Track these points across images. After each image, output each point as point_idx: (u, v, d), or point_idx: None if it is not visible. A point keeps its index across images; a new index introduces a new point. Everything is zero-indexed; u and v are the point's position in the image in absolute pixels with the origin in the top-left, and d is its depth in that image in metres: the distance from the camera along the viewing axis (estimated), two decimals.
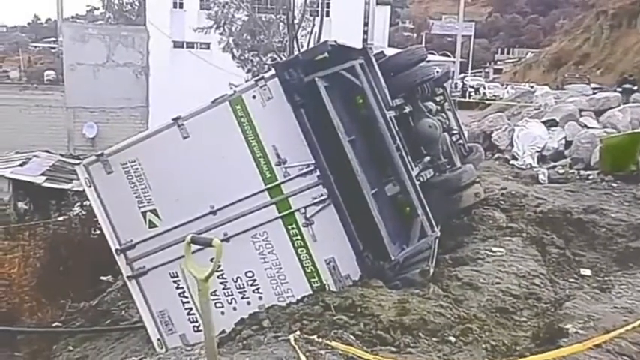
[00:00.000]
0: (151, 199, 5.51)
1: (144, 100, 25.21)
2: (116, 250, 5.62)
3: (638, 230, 7.12)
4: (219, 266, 5.20)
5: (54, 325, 8.05)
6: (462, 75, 51.52)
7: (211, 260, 3.17)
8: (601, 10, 66.06)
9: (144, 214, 5.52)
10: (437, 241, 5.92)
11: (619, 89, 13.72)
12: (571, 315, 4.48)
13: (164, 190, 5.50)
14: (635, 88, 15.33)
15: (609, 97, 13.32)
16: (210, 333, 3.14)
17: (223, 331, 5.02)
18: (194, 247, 3.37)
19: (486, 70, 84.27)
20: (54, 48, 44.93)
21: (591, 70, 58.61)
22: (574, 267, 6.33)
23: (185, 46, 31.67)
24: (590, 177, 10.41)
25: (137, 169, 5.52)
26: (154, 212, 5.51)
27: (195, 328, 5.43)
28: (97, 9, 59.98)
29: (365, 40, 25.03)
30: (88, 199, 6.01)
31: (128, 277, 5.66)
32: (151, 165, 5.51)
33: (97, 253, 7.75)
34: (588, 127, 12.08)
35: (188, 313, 5.51)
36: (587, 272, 6.14)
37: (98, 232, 7.78)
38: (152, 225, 5.53)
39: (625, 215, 7.75)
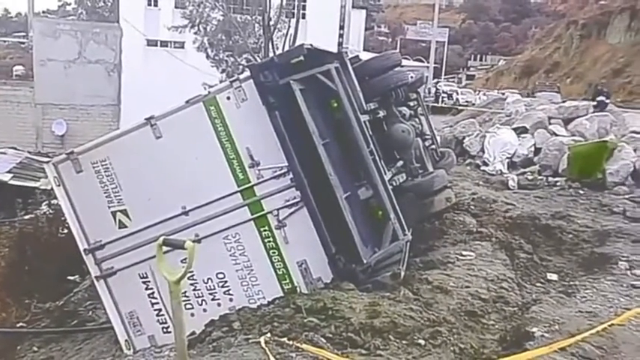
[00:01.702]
0: (121, 199, 5.44)
1: (115, 98, 24.89)
2: (84, 250, 5.53)
3: (603, 236, 7.31)
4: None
5: (18, 325, 7.86)
6: (436, 81, 52.09)
7: (182, 262, 3.15)
8: (572, 20, 67.58)
9: (114, 214, 5.45)
10: (408, 244, 5.97)
11: (594, 103, 13.97)
12: (537, 319, 4.56)
13: (135, 190, 5.43)
14: (608, 101, 15.63)
15: (578, 106, 13.62)
16: (181, 335, 3.11)
17: (193, 333, 4.98)
18: (166, 248, 3.34)
19: (459, 76, 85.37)
20: (23, 43, 43.97)
21: (561, 78, 59.84)
22: (541, 272, 6.46)
23: (159, 44, 31.31)
24: (558, 183, 10.64)
25: (108, 168, 5.44)
26: (124, 212, 5.44)
27: (165, 330, 5.38)
28: (69, 4, 59.07)
29: (340, 44, 25.11)
30: (56, 198, 5.91)
31: (96, 277, 5.57)
32: (123, 164, 5.44)
33: (65, 253, 7.61)
34: (557, 135, 12.34)
35: (157, 315, 5.45)
36: (554, 277, 6.27)
37: (66, 231, 7.64)
38: (122, 225, 5.46)
39: (591, 221, 7.94)
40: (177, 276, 3.06)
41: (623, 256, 6.40)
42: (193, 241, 5.10)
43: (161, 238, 3.24)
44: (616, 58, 55.29)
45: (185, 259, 3.26)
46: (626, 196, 9.51)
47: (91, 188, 5.47)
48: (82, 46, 25.02)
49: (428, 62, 45.42)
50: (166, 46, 30.96)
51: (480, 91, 49.85)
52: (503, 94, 25.47)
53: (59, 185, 5.54)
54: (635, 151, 10.64)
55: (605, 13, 61.01)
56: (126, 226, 5.45)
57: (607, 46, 58.62)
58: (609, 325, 4.01)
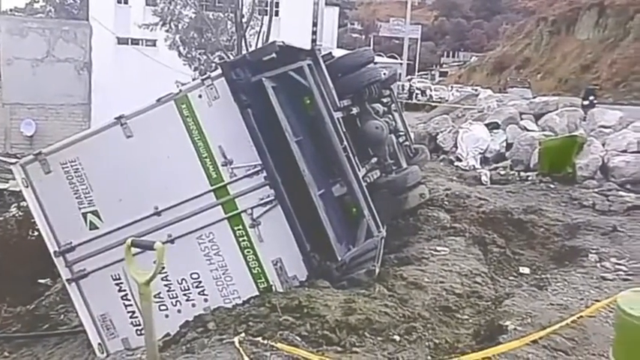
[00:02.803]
0: (92, 200, 5.35)
1: (86, 97, 24.49)
2: (54, 252, 5.43)
3: (574, 229, 7.44)
4: (163, 268, 5.14)
5: None
6: (409, 77, 52.43)
7: (155, 263, 3.11)
8: (541, 16, 68.58)
9: (84, 215, 5.36)
10: (383, 241, 6.00)
11: (585, 102, 14.18)
12: (510, 312, 4.61)
13: (106, 190, 5.35)
14: (596, 101, 15.86)
15: (548, 102, 13.84)
16: (152, 338, 3.08)
17: (168, 335, 4.93)
18: (137, 249, 3.30)
19: (433, 72, 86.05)
20: None
21: (532, 74, 60.71)
22: (514, 265, 6.54)
23: (130, 42, 30.86)
24: (530, 178, 10.79)
25: (78, 168, 5.35)
26: (95, 213, 5.36)
27: (138, 332, 5.30)
28: (37, 2, 57.80)
29: (314, 41, 25.10)
30: (24, 200, 5.78)
31: (67, 280, 5.48)
32: (93, 165, 5.36)
33: (35, 256, 7.46)
34: (528, 130, 12.52)
35: (131, 317, 5.38)
36: (526, 270, 6.36)
37: (36, 234, 7.49)
38: (93, 226, 5.37)
39: (561, 215, 8.08)
40: (147, 277, 3.01)
41: (593, 249, 6.52)
42: (165, 242, 5.11)
43: (130, 239, 3.20)
44: (585, 54, 56.30)
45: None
46: (596, 190, 9.69)
47: (60, 189, 5.37)
48: (50, 45, 24.56)
49: (401, 59, 45.70)
50: (137, 44, 30.54)
51: (453, 88, 50.30)
52: (475, 90, 25.74)
53: (27, 187, 5.43)
54: (603, 145, 10.85)
55: (573, 9, 62.07)
56: (97, 228, 5.37)
57: (576, 42, 59.65)
58: (579, 317, 4.07)
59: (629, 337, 2.61)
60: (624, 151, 10.48)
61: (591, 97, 14.69)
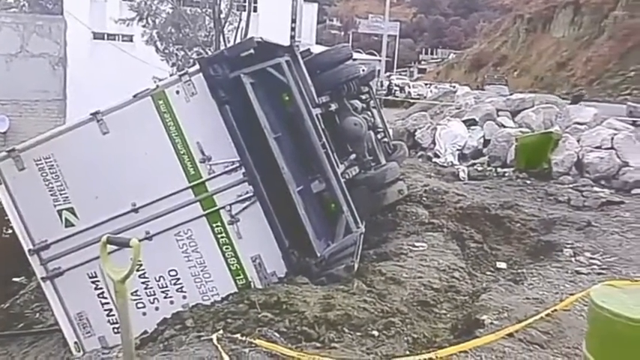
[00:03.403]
0: (67, 197, 5.29)
1: (61, 92, 24.09)
2: (29, 250, 5.36)
3: (549, 225, 7.55)
4: (140, 266, 5.10)
5: None
6: (388, 74, 52.61)
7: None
8: (518, 14, 69.36)
9: (60, 212, 5.30)
10: (361, 237, 6.01)
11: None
12: (487, 307, 4.66)
13: (82, 187, 5.29)
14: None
15: (524, 99, 13.99)
16: (128, 336, 3.05)
17: (145, 332, 4.90)
18: (114, 246, 3.26)
19: (411, 69, 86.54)
20: None
21: (509, 71, 61.39)
22: (491, 260, 6.61)
23: (106, 37, 30.43)
24: (507, 174, 10.92)
25: (52, 165, 5.28)
26: (71, 210, 5.30)
27: (115, 330, 5.26)
28: None
29: (293, 37, 25.02)
30: None
31: (42, 278, 5.42)
32: (68, 161, 5.29)
33: (9, 254, 7.33)
34: (505, 127, 12.64)
35: (108, 315, 5.34)
36: (503, 265, 6.43)
37: (10, 231, 7.37)
38: (69, 224, 5.31)
39: (537, 211, 8.19)
40: (123, 275, 2.98)
41: (568, 244, 6.62)
42: (143, 239, 5.06)
43: (105, 236, 3.16)
44: (560, 51, 57.08)
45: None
46: (571, 186, 9.84)
47: (34, 186, 5.30)
48: (24, 40, 24.09)
49: (380, 56, 45.80)
50: (114, 39, 30.13)
51: (431, 84, 50.62)
52: (453, 87, 25.94)
53: (1, 184, 5.35)
54: (578, 141, 11.01)
55: (549, 7, 62.88)
56: (73, 225, 5.32)
57: (552, 40, 60.44)
58: (553, 311, 4.13)
59: (601, 330, 2.66)
60: (598, 148, 10.65)
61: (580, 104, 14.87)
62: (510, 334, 3.92)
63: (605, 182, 10.11)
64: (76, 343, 5.42)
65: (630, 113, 26.19)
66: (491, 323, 4.28)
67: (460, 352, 3.72)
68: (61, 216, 5.31)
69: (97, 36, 30.29)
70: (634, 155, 10.43)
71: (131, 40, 28.76)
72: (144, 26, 24.50)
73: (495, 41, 71.35)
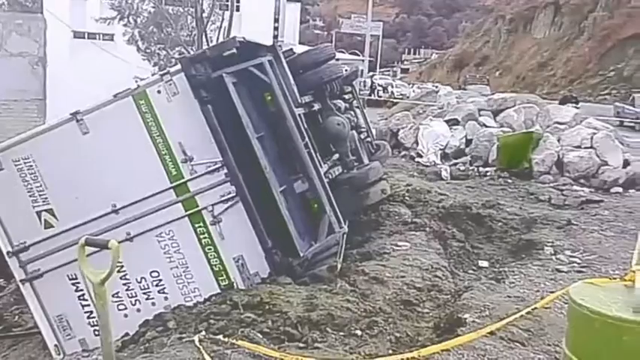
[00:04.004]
0: (47, 198, 5.22)
1: (40, 92, 23.69)
2: (7, 252, 5.28)
3: (530, 223, 7.62)
4: (122, 267, 5.06)
5: None
6: (371, 74, 52.68)
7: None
8: (499, 14, 70.01)
9: (39, 213, 5.23)
10: (344, 237, 6.02)
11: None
12: (469, 305, 4.70)
13: (62, 188, 5.23)
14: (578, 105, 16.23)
15: (506, 98, 14.11)
16: (108, 338, 3.02)
17: (127, 334, 4.85)
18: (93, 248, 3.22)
19: (394, 69, 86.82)
20: None
21: (490, 71, 61.92)
22: (473, 259, 6.66)
23: (86, 36, 30.12)
24: (488, 173, 11.03)
25: (31, 166, 5.21)
26: (51, 212, 5.23)
27: (96, 332, 5.19)
28: None
29: (276, 37, 24.94)
30: None
31: (21, 280, 5.35)
32: (47, 162, 5.22)
33: None
34: (487, 126, 12.75)
35: (88, 317, 5.28)
36: (485, 264, 6.48)
37: None
38: (48, 225, 5.25)
39: (519, 209, 8.27)
40: (102, 277, 2.95)
41: (549, 242, 6.69)
42: (124, 240, 5.02)
43: (83, 238, 3.12)
44: (541, 51, 57.74)
45: None
46: (551, 185, 9.96)
47: (13, 187, 5.22)
48: (3, 38, 23.64)
49: (363, 56, 45.87)
50: (94, 38, 29.83)
51: (414, 84, 50.84)
52: (436, 87, 26.08)
53: None
54: (558, 141, 11.14)
55: (530, 8, 63.57)
56: (52, 226, 5.25)
57: (532, 40, 61.11)
58: (533, 309, 4.17)
59: (580, 328, 2.69)
60: (578, 147, 10.79)
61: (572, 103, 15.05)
62: (492, 332, 3.94)
63: (584, 181, 10.25)
64: (56, 345, 5.36)
65: (618, 114, 26.55)
66: (473, 322, 4.31)
67: (442, 350, 3.73)
68: (40, 217, 5.24)
69: (78, 35, 29.96)
70: (613, 154, 10.60)
71: (112, 40, 28.50)
72: (125, 25, 24.28)
73: (477, 41, 71.95)
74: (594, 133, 10.97)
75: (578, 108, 14.49)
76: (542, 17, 61.30)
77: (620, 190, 9.80)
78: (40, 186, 5.22)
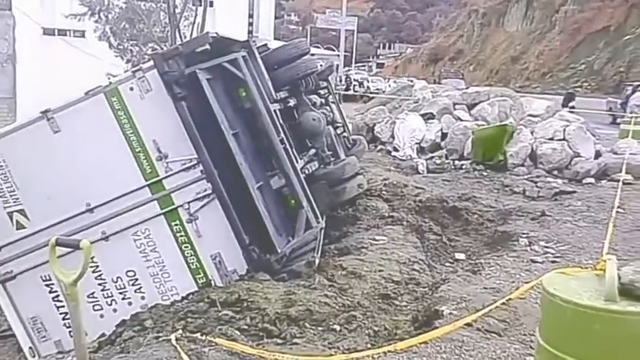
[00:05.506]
0: (17, 199, 5.12)
1: (10, 91, 23.22)
2: None
3: (505, 215, 7.72)
4: (97, 267, 4.99)
5: None
6: (347, 69, 52.77)
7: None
8: (472, 8, 70.64)
9: (10, 214, 5.13)
10: (322, 232, 6.03)
11: (566, 109, 14.60)
12: (446, 297, 4.74)
13: (33, 188, 5.13)
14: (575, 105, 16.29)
15: (480, 92, 14.26)
16: (81, 340, 2.98)
17: (103, 335, 4.80)
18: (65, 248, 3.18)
19: (370, 64, 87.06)
20: None
21: (465, 65, 62.49)
22: (450, 252, 6.72)
23: (56, 33, 29.53)
24: (464, 167, 11.14)
25: (1, 165, 5.12)
26: (22, 212, 5.14)
27: (72, 333, 5.13)
28: None
29: (250, 32, 24.82)
30: None
31: None
32: (18, 161, 5.12)
33: None
34: (462, 120, 12.87)
35: (63, 318, 5.18)
36: (462, 256, 6.55)
37: None
38: (20, 226, 5.15)
39: (494, 202, 8.38)
40: (73, 277, 2.90)
41: (524, 233, 6.79)
42: (99, 239, 4.95)
43: (54, 238, 3.07)
44: (514, 45, 58.44)
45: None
46: (525, 177, 10.10)
47: None
48: None
49: (338, 51, 45.92)
50: (65, 34, 29.25)
51: (389, 79, 51.04)
52: (411, 81, 26.21)
53: None
54: (532, 133, 11.30)
55: (503, 2, 64.26)
56: (24, 227, 5.15)
57: (505, 34, 61.82)
58: (508, 300, 4.22)
59: (553, 317, 2.73)
60: (551, 139, 10.96)
61: (571, 103, 15.11)
62: (469, 324, 3.98)
63: (557, 172, 10.42)
64: (30, 348, 5.27)
65: (610, 109, 26.74)
66: (450, 314, 4.35)
67: (420, 343, 3.76)
68: (11, 218, 5.14)
69: (47, 32, 29.34)
70: (585, 146, 10.79)
71: (83, 36, 27.95)
72: (96, 21, 23.84)
73: (451, 36, 72.53)
74: (567, 126, 11.14)
75: (573, 108, 14.65)
76: (514, 11, 62.03)
77: (592, 180, 9.98)
78: (11, 186, 5.11)
